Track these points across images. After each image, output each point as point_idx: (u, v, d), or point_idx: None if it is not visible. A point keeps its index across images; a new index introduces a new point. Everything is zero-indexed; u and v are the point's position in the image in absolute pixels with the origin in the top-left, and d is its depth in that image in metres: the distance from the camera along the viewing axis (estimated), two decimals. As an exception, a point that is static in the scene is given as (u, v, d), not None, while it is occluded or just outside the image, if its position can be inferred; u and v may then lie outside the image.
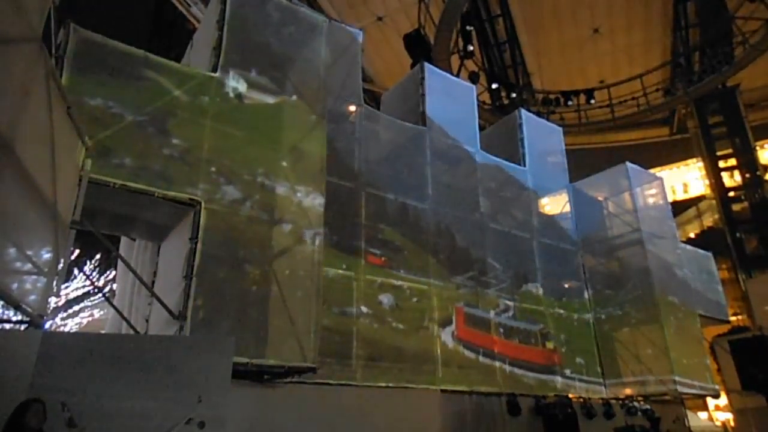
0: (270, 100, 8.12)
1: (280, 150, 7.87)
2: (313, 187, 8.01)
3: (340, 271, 9.18)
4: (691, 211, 28.21)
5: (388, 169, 10.95)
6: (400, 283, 9.68)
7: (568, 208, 14.61)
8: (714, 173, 26.28)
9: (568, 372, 11.79)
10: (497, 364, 10.58)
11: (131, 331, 6.81)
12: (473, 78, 20.55)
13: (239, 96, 7.68)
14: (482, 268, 11.18)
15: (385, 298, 9.27)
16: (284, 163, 7.75)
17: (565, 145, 15.48)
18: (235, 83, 7.63)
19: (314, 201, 7.93)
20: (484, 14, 23.40)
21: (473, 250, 11.21)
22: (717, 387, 13.92)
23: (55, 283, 5.16)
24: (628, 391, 12.66)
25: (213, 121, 7.31)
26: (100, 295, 17.35)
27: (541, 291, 12.11)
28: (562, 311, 12.29)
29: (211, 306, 6.58)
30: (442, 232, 10.85)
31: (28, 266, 4.71)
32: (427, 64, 12.79)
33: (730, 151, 26.17)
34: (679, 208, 25.48)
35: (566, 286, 13.74)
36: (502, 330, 11.20)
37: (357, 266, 9.46)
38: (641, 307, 13.15)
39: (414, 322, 9.58)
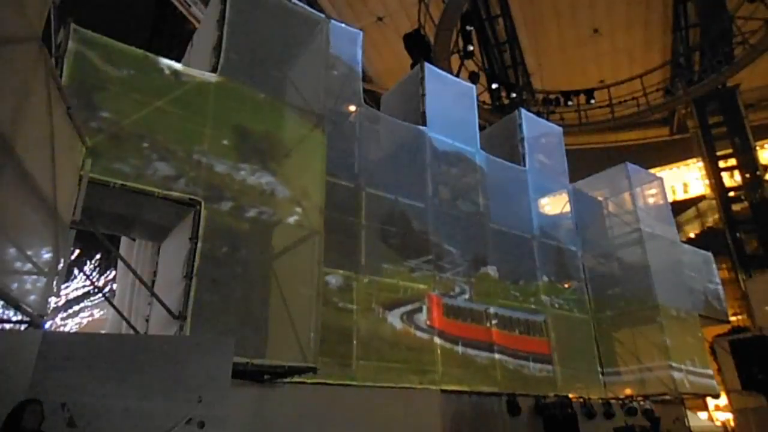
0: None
1: (220, 128, 7.50)
2: (312, 186, 8.02)
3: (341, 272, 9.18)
4: (691, 211, 28.24)
5: (388, 169, 10.93)
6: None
7: (568, 208, 14.62)
8: (714, 173, 26.29)
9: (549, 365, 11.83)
10: (459, 349, 10.42)
11: (131, 331, 6.81)
12: (473, 78, 20.55)
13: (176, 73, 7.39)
14: (439, 252, 10.99)
15: (333, 279, 9.17)
16: (225, 142, 7.45)
17: (565, 145, 15.47)
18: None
19: (314, 200, 7.93)
20: (484, 14, 23.41)
21: (431, 236, 11.04)
22: (717, 387, 13.94)
23: (55, 283, 5.16)
24: (628, 391, 12.67)
25: (146, 96, 6.93)
26: (100, 295, 17.36)
27: (497, 274, 11.96)
28: (518, 294, 12.17)
29: (211, 306, 6.58)
30: (396, 218, 10.72)
31: (28, 266, 4.71)
32: (427, 64, 12.78)
33: (730, 151, 26.18)
34: (679, 208, 25.51)
35: (566, 285, 13.75)
36: (496, 321, 11.20)
37: (355, 265, 9.50)
38: (641, 307, 13.16)
39: (362, 304, 9.38)
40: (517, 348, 11.35)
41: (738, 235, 24.83)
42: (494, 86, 24.06)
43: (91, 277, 17.43)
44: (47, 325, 5.16)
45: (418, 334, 9.91)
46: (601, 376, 12.73)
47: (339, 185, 9.54)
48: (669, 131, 31.21)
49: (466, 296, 11.09)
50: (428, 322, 10.08)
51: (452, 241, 11.43)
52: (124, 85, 6.95)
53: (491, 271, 11.78)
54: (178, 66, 7.53)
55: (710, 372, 13.79)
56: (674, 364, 12.32)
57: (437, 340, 10.05)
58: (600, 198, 15.47)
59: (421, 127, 11.76)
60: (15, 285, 4.51)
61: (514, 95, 24.27)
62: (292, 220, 7.67)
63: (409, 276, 10.30)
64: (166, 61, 7.46)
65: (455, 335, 10.43)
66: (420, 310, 10.15)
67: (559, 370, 11.79)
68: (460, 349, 10.37)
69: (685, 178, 29.89)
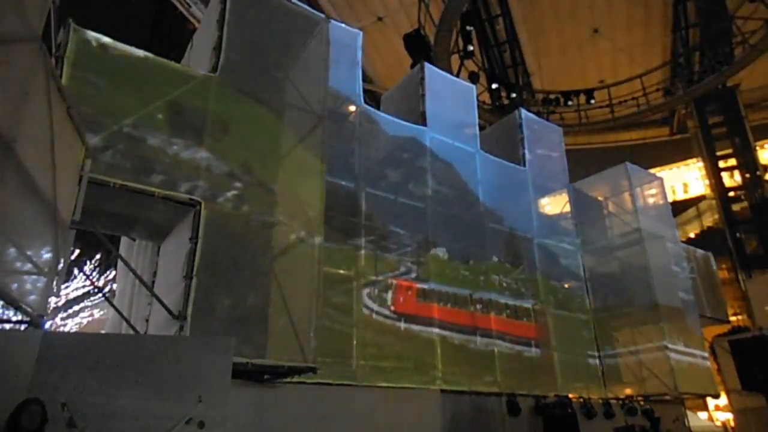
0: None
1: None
2: (313, 187, 8.02)
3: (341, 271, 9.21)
4: (691, 211, 28.26)
5: (387, 169, 10.92)
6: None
7: (568, 208, 14.62)
8: (714, 173, 26.30)
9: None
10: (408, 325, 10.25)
11: (131, 331, 6.81)
12: (473, 78, 20.58)
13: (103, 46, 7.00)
14: (383, 234, 10.79)
15: None
16: (159, 116, 7.16)
17: (565, 145, 15.48)
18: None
19: (314, 201, 7.94)
20: (484, 14, 23.42)
21: (376, 217, 10.87)
22: (717, 386, 13.95)
23: (55, 283, 5.16)
24: (628, 390, 12.68)
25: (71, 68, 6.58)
26: (100, 295, 17.37)
27: (447, 255, 11.79)
28: (468, 273, 12.11)
29: (211, 306, 6.58)
30: (398, 215, 10.72)
31: (28, 266, 4.71)
32: (427, 64, 12.78)
33: (730, 151, 26.18)
34: (679, 208, 25.52)
35: (566, 285, 13.75)
36: (480, 306, 11.20)
37: (355, 263, 9.52)
38: (641, 307, 13.16)
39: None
40: (504, 331, 11.35)
41: (738, 235, 24.83)
42: (494, 86, 24.08)
43: (91, 277, 17.44)
44: (47, 325, 5.15)
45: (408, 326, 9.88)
46: (600, 374, 12.75)
47: (338, 185, 9.54)
48: (669, 131, 31.23)
49: (413, 275, 10.93)
50: (395, 308, 10.03)
51: (453, 240, 11.45)
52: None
53: (440, 252, 11.69)
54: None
55: (710, 371, 13.80)
56: (673, 364, 12.33)
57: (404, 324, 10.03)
58: (600, 198, 15.47)
59: (421, 127, 11.76)
60: (15, 285, 4.51)
61: (514, 95, 24.28)
62: (292, 220, 7.67)
63: (352, 254, 10.12)
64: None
65: (417, 315, 10.34)
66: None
67: (558, 368, 11.80)
68: (410, 325, 10.23)
69: (685, 178, 29.92)
